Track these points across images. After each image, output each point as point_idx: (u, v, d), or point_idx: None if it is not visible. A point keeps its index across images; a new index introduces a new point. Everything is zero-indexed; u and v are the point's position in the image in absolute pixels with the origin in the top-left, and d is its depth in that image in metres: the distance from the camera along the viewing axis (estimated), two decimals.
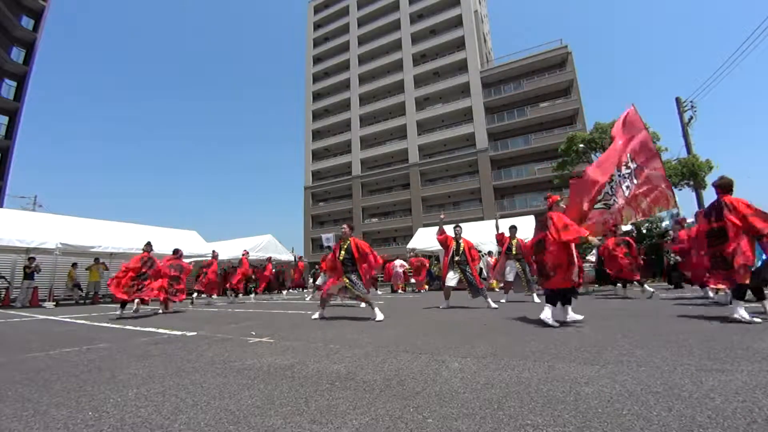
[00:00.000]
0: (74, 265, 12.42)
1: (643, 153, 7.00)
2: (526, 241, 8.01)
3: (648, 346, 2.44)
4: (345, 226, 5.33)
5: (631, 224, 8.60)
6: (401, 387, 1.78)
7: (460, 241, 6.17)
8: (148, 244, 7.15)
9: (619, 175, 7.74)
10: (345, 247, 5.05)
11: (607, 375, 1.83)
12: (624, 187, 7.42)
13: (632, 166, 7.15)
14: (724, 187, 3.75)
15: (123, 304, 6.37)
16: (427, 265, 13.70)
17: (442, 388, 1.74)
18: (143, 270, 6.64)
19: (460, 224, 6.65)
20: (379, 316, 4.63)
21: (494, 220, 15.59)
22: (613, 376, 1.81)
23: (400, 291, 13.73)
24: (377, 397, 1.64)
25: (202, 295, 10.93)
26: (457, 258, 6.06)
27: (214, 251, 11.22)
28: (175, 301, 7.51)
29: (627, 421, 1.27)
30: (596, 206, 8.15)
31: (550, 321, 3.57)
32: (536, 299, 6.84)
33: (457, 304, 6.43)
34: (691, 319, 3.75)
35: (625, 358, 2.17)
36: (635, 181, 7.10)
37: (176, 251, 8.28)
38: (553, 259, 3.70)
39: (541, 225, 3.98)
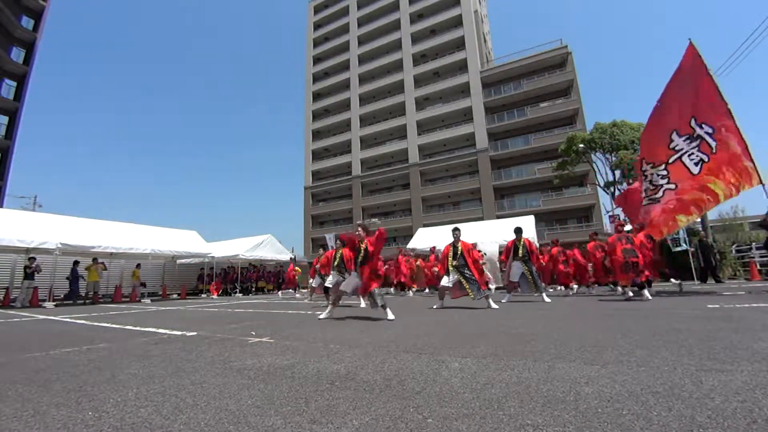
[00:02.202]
0: (138, 266, 13.94)
1: (710, 109, 5.53)
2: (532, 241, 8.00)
3: (648, 346, 2.44)
4: (359, 228, 5.21)
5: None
6: (401, 387, 1.78)
7: (458, 245, 6.12)
8: (293, 259, 13.62)
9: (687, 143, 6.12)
10: (362, 247, 5.02)
11: (607, 375, 1.82)
12: (691, 164, 5.99)
13: (701, 131, 5.68)
14: None
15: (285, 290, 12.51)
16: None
17: (442, 388, 1.74)
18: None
19: (459, 226, 6.62)
20: (390, 315, 4.62)
21: (495, 220, 15.58)
22: (613, 376, 1.80)
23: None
24: (377, 397, 1.64)
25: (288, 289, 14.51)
26: (455, 262, 6.04)
27: (291, 255, 15.81)
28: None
29: (627, 421, 1.27)
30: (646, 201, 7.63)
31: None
32: (546, 299, 6.86)
33: (458, 304, 6.44)
34: (692, 319, 3.75)
35: (625, 358, 2.16)
36: (713, 151, 5.66)
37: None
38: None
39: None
